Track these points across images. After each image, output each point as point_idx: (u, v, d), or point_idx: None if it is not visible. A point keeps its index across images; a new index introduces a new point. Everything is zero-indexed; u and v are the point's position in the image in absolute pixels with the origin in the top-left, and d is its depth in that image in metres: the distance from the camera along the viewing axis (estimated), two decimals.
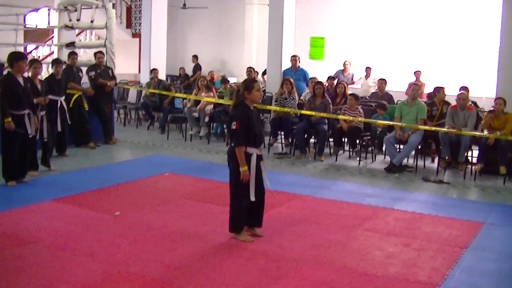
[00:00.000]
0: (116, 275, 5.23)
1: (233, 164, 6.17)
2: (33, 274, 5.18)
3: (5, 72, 9.09)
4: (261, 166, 6.29)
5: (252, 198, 6.17)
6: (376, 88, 14.09)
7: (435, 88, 11.62)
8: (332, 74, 15.41)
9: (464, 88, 11.45)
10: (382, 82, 13.26)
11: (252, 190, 6.16)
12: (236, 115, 6.21)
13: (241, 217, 6.31)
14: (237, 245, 6.13)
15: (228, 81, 14.87)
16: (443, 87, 11.36)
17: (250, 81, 6.34)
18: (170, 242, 6.16)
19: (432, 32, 16.43)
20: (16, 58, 8.48)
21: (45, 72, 15.31)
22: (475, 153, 10.47)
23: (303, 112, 11.51)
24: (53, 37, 16.77)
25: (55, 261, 5.50)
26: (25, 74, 8.97)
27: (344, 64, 16.29)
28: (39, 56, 19.38)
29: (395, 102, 12.69)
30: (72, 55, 11.80)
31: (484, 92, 13.95)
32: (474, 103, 11.56)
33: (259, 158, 6.27)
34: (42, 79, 9.81)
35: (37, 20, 18.26)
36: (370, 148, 11.53)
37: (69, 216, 6.98)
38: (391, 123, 10.81)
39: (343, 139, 11.85)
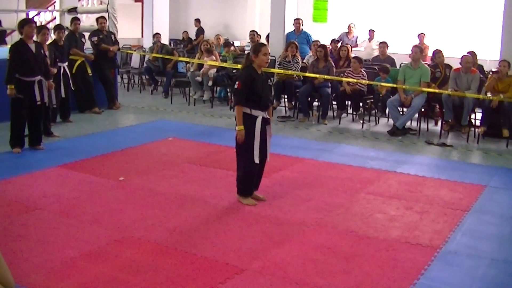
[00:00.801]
0: (121, 240, 5.29)
1: None
2: (38, 240, 5.25)
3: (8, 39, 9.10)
4: (266, 129, 6.32)
5: (256, 161, 6.21)
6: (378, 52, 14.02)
7: (433, 51, 11.55)
8: (336, 37, 15.31)
9: (472, 53, 11.37)
10: (384, 45, 13.13)
11: (256, 152, 6.19)
12: (240, 76, 6.32)
13: (251, 181, 6.37)
14: (241, 209, 6.19)
15: (232, 44, 14.80)
16: (441, 50, 11.27)
17: (258, 45, 6.41)
18: (174, 207, 6.22)
19: None
20: (23, 23, 8.48)
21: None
22: (478, 116, 10.47)
23: (307, 74, 11.49)
24: (55, 2, 16.70)
25: (60, 227, 5.57)
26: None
27: (349, 27, 16.15)
28: (41, 22, 19.30)
29: (399, 65, 12.61)
30: (75, 20, 11.74)
31: (489, 55, 13.86)
32: (481, 67, 11.47)
33: (266, 121, 6.30)
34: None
35: None
36: (373, 111, 11.52)
37: (73, 182, 7.04)
38: (394, 85, 10.78)
39: (346, 102, 11.84)
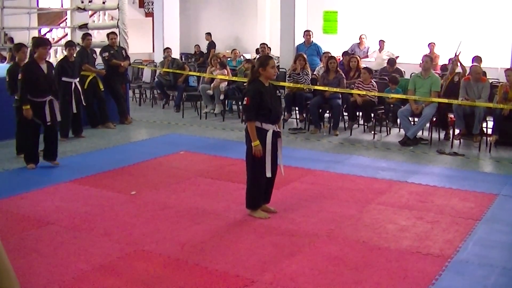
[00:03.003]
0: (132, 254, 5.32)
1: (249, 141, 6.22)
2: (50, 254, 5.29)
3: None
4: (277, 142, 6.33)
5: (268, 174, 6.22)
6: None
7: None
8: (346, 48, 15.33)
9: (477, 58, 11.36)
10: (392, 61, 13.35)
11: (268, 166, 6.20)
12: (248, 91, 6.29)
13: (259, 194, 6.36)
14: (251, 222, 6.20)
15: (251, 61, 14.85)
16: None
17: (265, 58, 6.37)
18: (185, 220, 6.24)
19: (447, 3, 16.25)
20: (38, 44, 8.48)
21: (60, 54, 15.39)
22: (490, 124, 10.43)
23: (316, 87, 11.51)
24: (66, 19, 16.84)
25: (72, 242, 5.61)
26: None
27: (360, 38, 16.19)
28: (53, 39, 19.47)
29: (409, 75, 12.62)
30: (86, 36, 11.84)
31: (499, 63, 13.83)
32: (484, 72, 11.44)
33: (276, 134, 6.30)
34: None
35: (50, 2, 18.32)
36: (384, 122, 11.52)
37: (85, 197, 7.08)
38: (404, 96, 10.78)
39: (357, 113, 11.85)
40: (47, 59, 8.83)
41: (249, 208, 6.40)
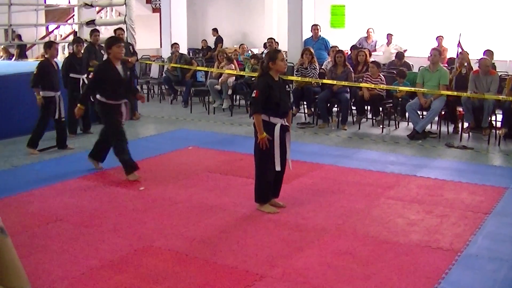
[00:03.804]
0: (141, 249, 5.33)
1: (257, 135, 6.22)
2: (59, 251, 5.30)
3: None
4: (286, 137, 6.32)
5: (278, 168, 6.22)
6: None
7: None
8: (354, 42, 15.30)
9: (488, 52, 11.30)
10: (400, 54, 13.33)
11: (277, 160, 6.20)
12: (257, 84, 6.34)
13: (268, 188, 6.37)
14: (260, 216, 6.19)
15: (257, 57, 14.83)
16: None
17: (274, 52, 6.40)
18: (194, 216, 6.24)
19: None
20: (111, 43, 7.75)
21: (67, 51, 15.41)
22: (499, 117, 10.38)
23: (324, 81, 11.49)
24: (73, 15, 16.86)
25: (81, 238, 5.62)
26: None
27: (368, 32, 16.14)
28: (61, 35, 19.50)
29: (418, 68, 12.57)
30: (94, 32, 11.85)
31: (508, 56, 13.77)
32: (493, 65, 11.39)
33: (285, 128, 6.30)
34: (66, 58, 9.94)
35: None
36: (393, 116, 11.49)
37: (94, 193, 7.10)
38: (413, 89, 10.74)
39: (365, 107, 11.82)
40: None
41: (258, 202, 6.39)
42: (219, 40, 19.45)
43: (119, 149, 7.72)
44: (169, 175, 7.89)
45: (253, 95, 6.24)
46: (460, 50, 11.05)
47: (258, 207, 6.38)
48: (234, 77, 13.12)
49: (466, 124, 10.49)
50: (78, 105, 7.90)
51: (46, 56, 9.45)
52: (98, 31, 12.14)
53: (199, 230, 5.82)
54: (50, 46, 9.40)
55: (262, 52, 15.56)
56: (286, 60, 12.76)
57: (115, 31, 12.56)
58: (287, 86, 7.27)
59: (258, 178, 6.35)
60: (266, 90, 6.14)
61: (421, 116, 10.66)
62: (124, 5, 13.41)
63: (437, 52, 10.76)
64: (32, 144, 9.17)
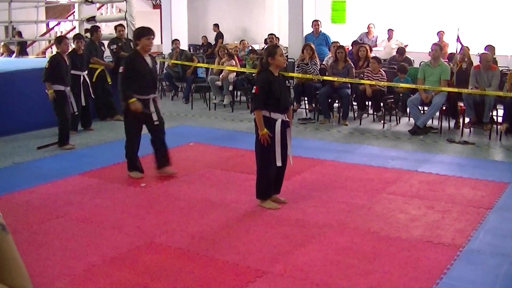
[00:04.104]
0: (143, 246, 5.33)
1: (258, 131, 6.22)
2: (61, 247, 5.31)
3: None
4: (286, 132, 6.31)
5: (279, 164, 6.22)
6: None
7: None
8: (355, 38, 15.26)
9: (490, 47, 11.27)
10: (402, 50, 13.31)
11: (278, 156, 6.20)
12: (257, 80, 6.31)
13: (269, 184, 6.36)
14: (262, 212, 6.19)
15: (255, 52, 14.84)
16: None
17: (273, 47, 6.38)
18: (195, 212, 6.24)
19: None
20: (140, 34, 7.40)
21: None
22: (500, 113, 10.36)
23: (325, 78, 11.47)
24: (74, 12, 16.85)
25: (82, 234, 5.62)
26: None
27: (368, 27, 16.09)
28: (61, 32, 19.48)
29: (419, 64, 12.55)
30: (95, 29, 11.84)
31: (509, 51, 13.74)
32: (494, 60, 11.36)
33: (285, 124, 6.30)
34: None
35: None
36: (394, 111, 11.47)
37: (95, 190, 7.09)
38: (414, 85, 10.72)
39: (366, 103, 11.80)
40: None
41: (259, 198, 6.39)
42: (219, 36, 19.42)
43: (129, 148, 7.76)
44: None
45: (253, 91, 6.24)
46: (460, 45, 11.02)
47: (260, 203, 6.37)
48: (235, 73, 13.11)
49: (467, 119, 10.47)
50: (129, 101, 7.26)
51: (57, 50, 9.59)
52: (99, 27, 12.13)
53: (200, 226, 5.81)
54: (61, 41, 9.54)
55: (263, 48, 15.55)
56: (286, 55, 12.78)
57: (115, 27, 12.54)
58: (287, 82, 7.25)
59: (259, 174, 6.35)
60: (266, 86, 6.13)
61: (422, 111, 10.64)
62: (125, 2, 13.37)
63: (438, 47, 10.74)
64: (63, 143, 9.33)
